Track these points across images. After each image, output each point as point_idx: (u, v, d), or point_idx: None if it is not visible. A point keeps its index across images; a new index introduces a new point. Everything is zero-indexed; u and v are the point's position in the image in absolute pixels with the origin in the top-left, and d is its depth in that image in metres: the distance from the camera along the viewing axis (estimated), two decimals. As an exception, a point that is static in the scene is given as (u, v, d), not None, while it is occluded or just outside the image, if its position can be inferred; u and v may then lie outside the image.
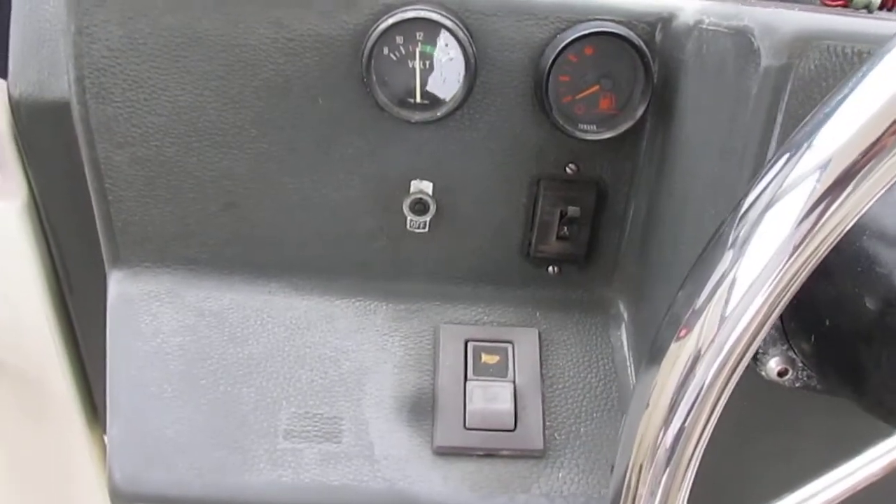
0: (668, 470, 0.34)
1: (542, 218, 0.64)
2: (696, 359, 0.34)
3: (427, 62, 0.58)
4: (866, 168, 0.31)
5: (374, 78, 0.58)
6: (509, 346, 0.64)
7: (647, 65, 0.57)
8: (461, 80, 0.58)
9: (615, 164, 0.63)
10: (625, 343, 0.66)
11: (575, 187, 0.63)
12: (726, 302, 0.34)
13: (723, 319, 0.34)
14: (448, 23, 0.56)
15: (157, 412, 0.62)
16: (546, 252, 0.65)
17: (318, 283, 0.67)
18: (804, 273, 0.34)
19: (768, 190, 0.34)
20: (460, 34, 0.56)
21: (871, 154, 0.31)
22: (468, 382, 0.62)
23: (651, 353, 0.37)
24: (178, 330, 0.65)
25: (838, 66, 0.43)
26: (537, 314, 0.67)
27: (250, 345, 0.64)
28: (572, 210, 0.63)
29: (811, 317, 0.47)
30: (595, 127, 0.60)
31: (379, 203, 0.64)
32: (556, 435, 0.62)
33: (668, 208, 0.59)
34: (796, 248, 0.33)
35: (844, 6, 0.64)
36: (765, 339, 0.52)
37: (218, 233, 0.65)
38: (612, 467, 0.37)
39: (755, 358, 0.52)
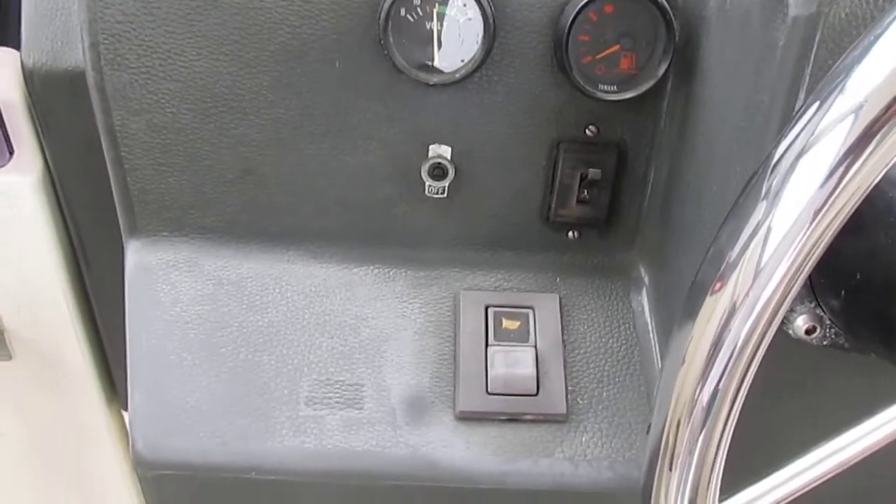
0: (705, 426, 0.33)
1: (561, 181, 0.63)
2: (732, 312, 0.34)
3: (445, 23, 0.57)
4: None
5: (392, 40, 0.57)
6: (530, 312, 0.64)
7: (669, 22, 0.56)
8: (479, 41, 0.57)
9: (636, 125, 0.62)
10: (646, 307, 0.66)
11: (595, 149, 0.62)
12: (761, 253, 0.34)
13: (758, 271, 0.34)
14: (466, -18, 0.55)
15: (178, 381, 0.61)
16: (566, 216, 0.65)
17: (336, 250, 0.66)
18: (840, 220, 0.33)
19: (800, 137, 0.34)
20: (478, -7, 0.55)
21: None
22: (489, 348, 0.62)
23: (685, 308, 0.36)
24: (196, 299, 0.65)
25: (869, 13, 0.42)
26: (557, 280, 0.66)
27: (269, 313, 0.64)
28: (593, 172, 0.62)
29: (841, 271, 0.46)
30: (615, 87, 0.59)
31: (397, 169, 0.63)
32: (578, 399, 0.61)
33: (690, 169, 0.58)
34: (831, 194, 0.32)
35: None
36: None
37: (235, 200, 0.64)
38: (649, 426, 0.36)
39: (782, 317, 0.51)
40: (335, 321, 0.64)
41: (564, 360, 0.62)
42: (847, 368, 0.54)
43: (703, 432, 0.34)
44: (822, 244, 0.33)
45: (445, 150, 0.62)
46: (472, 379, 0.61)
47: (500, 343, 0.62)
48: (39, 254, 0.69)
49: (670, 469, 0.34)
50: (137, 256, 0.66)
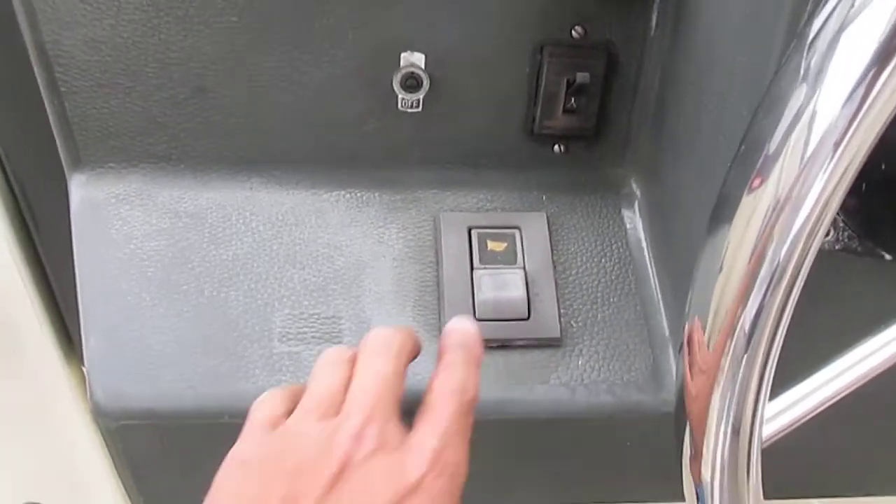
0: (750, 344, 0.29)
1: (546, 89, 0.58)
2: (776, 209, 0.29)
3: (415, -89, 0.51)
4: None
5: (356, -68, 0.51)
6: (516, 232, 0.60)
7: None
8: (454, -69, 0.51)
9: (626, 24, 0.57)
10: (639, 224, 0.62)
11: (582, 53, 0.57)
12: (806, 142, 0.29)
13: (804, 162, 0.29)
14: None
15: (137, 323, 0.56)
16: (552, 128, 0.60)
17: (303, 174, 0.61)
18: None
19: (840, 8, 0.29)
20: None
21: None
22: (475, 271, 0.58)
23: (716, 210, 0.32)
24: (152, 234, 0.59)
25: None
26: (544, 197, 0.62)
27: (234, 245, 0.59)
28: (581, 76, 0.57)
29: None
30: (604, -19, 0.54)
31: (366, 80, 0.57)
32: (572, 322, 0.58)
33: (686, 70, 0.54)
34: (883, 66, 0.28)
35: None
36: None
37: (188, 123, 0.58)
38: (681, 345, 0.33)
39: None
40: (306, 251, 0.59)
41: (556, 282, 0.58)
42: (857, 276, 0.51)
43: (745, 354, 0.30)
44: (878, 127, 0.29)
45: (419, 58, 0.57)
46: (458, 305, 0.57)
47: (487, 266, 0.58)
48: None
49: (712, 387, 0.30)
50: (83, 191, 0.60)
